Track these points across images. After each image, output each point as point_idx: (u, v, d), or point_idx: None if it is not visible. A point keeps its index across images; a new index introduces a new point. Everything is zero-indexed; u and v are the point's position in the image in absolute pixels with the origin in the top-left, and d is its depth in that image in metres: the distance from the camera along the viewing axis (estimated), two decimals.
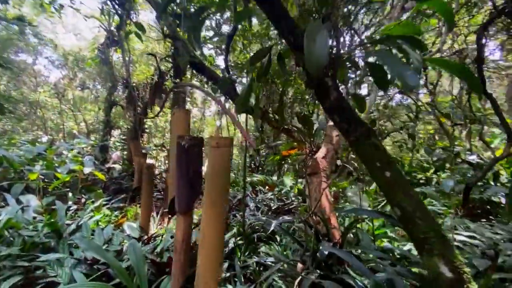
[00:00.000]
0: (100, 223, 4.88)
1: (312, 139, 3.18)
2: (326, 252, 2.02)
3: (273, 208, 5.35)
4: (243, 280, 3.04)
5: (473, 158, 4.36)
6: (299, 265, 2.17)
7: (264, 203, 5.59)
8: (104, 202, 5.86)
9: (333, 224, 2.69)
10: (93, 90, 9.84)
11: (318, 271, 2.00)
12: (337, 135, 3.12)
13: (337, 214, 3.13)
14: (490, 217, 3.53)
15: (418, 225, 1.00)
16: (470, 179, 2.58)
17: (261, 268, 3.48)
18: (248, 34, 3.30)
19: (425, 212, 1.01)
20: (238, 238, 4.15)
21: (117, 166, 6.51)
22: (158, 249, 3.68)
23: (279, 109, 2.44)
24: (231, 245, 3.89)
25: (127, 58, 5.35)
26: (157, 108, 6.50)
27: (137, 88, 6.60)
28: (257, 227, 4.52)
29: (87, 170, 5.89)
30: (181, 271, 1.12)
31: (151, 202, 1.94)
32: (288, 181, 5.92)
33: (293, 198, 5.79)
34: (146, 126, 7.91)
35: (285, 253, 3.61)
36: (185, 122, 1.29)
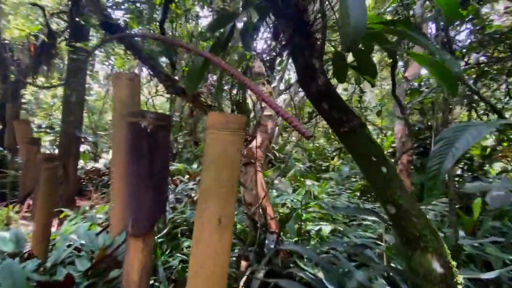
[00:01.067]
0: None
1: (247, 128, 2.95)
2: (272, 246, 1.85)
3: (195, 199, 4.90)
4: (167, 283, 2.57)
5: None
6: (243, 263, 1.93)
7: (186, 193, 5.04)
8: None
9: (269, 214, 2.58)
10: None
11: (264, 267, 1.82)
12: (273, 125, 3.01)
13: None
14: None
15: (414, 222, 0.92)
16: None
17: (186, 265, 3.07)
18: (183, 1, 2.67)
19: (419, 209, 0.94)
20: (158, 236, 3.55)
21: None
22: (49, 264, 2.68)
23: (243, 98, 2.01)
24: None
25: None
26: (42, 78, 4.73)
27: (11, 48, 4.55)
28: (178, 221, 4.01)
29: None
30: None
31: (51, 213, 1.24)
32: None
33: None
34: (24, 100, 5.73)
35: None
36: (135, 93, 0.79)
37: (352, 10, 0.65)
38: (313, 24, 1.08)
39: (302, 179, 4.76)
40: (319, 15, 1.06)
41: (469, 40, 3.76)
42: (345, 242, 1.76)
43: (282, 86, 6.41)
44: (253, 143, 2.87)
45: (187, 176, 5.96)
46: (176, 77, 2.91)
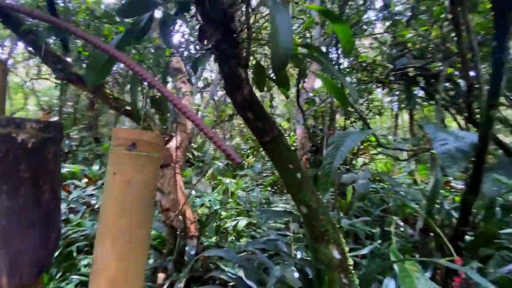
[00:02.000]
0: None
1: (165, 127, 2.66)
2: (193, 252, 1.75)
3: (96, 207, 4.06)
4: None
5: None
6: (160, 275, 1.72)
7: (83, 201, 4.11)
8: None
9: (189, 217, 2.42)
10: None
11: (183, 276, 1.68)
12: (193, 124, 2.83)
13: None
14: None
15: (320, 219, 1.04)
16: None
17: None
18: None
19: (324, 208, 1.07)
20: None
21: None
22: None
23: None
24: None
25: None
26: None
27: None
28: (74, 236, 3.23)
29: None
30: None
31: None
32: None
33: None
34: None
35: None
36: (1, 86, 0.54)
37: (281, 34, 0.66)
38: (239, 33, 1.06)
39: (221, 178, 4.75)
40: (245, 25, 1.05)
41: (346, 64, 4.74)
42: (261, 241, 1.84)
43: (200, 84, 6.18)
44: (172, 144, 2.62)
45: (85, 180, 4.89)
46: (69, 59, 2.29)
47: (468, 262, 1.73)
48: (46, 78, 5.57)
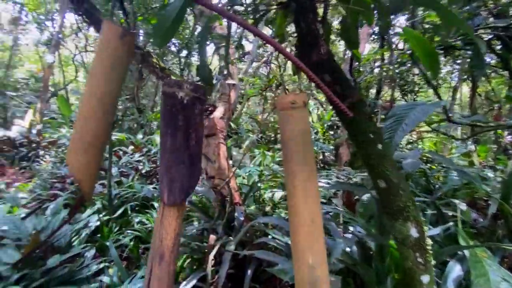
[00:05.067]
0: None
1: (209, 96, 2.67)
2: (242, 218, 1.81)
3: (143, 171, 4.43)
4: (122, 263, 2.33)
5: None
6: (212, 236, 1.85)
7: (131, 166, 4.50)
8: None
9: (233, 186, 2.50)
10: None
11: (236, 239, 1.77)
12: (235, 95, 2.80)
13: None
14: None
15: (401, 195, 0.97)
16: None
17: (139, 243, 2.84)
18: None
19: (405, 183, 0.99)
20: (103, 214, 3.14)
21: None
22: None
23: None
24: (93, 224, 2.88)
25: None
26: None
27: None
28: (127, 196, 3.61)
29: None
30: None
31: None
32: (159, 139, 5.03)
33: None
34: None
35: None
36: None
37: None
38: None
39: (256, 150, 4.80)
40: None
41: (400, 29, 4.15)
42: None
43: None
44: (216, 114, 2.64)
45: (131, 147, 5.30)
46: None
47: None
48: (93, 51, 5.88)
